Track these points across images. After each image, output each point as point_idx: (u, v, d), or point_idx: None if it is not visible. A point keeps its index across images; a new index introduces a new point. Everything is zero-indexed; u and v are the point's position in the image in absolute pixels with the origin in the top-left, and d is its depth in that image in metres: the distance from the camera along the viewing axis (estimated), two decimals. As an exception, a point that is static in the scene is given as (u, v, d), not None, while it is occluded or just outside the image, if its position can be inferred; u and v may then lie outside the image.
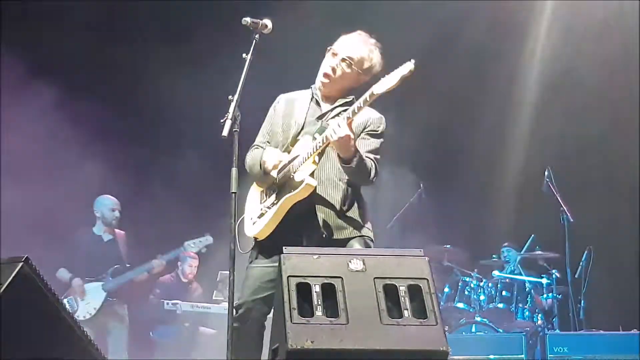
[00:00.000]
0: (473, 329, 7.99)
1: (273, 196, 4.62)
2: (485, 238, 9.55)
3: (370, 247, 4.59)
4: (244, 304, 4.57)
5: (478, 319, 8.11)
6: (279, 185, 4.62)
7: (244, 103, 4.39)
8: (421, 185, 9.26)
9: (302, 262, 3.73)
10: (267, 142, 4.84)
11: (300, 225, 4.55)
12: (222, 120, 4.49)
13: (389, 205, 9.31)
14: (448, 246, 8.87)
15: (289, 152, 4.66)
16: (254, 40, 4.54)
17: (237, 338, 4.46)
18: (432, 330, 3.59)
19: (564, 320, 8.29)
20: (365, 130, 4.67)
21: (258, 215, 4.66)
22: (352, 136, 4.34)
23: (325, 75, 4.70)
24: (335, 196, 4.57)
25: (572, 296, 8.26)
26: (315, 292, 3.62)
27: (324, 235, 4.49)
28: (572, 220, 8.33)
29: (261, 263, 4.59)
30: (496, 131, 9.91)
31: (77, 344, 3.86)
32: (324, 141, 4.41)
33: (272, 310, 4.14)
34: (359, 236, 4.57)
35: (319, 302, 3.59)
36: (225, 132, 4.30)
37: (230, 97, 4.65)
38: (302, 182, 4.46)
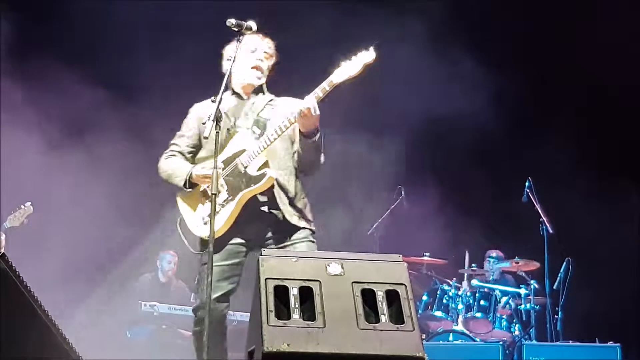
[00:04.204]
0: (450, 338, 7.99)
1: (223, 193, 4.69)
2: (464, 247, 9.54)
3: (314, 242, 4.78)
4: (205, 305, 4.58)
5: (456, 327, 8.11)
6: (227, 183, 4.71)
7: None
8: (402, 192, 9.27)
9: (280, 264, 3.73)
10: (189, 146, 4.99)
11: (251, 219, 4.70)
12: (203, 122, 4.51)
13: (369, 212, 9.34)
14: (427, 254, 8.86)
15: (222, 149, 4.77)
16: (238, 42, 4.56)
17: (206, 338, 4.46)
18: (409, 336, 3.59)
19: (541, 331, 8.32)
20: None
21: (209, 214, 4.65)
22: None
23: (257, 68, 4.93)
24: (287, 186, 4.76)
25: (550, 307, 8.30)
26: (293, 295, 3.62)
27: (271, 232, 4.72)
28: (551, 231, 8.37)
29: (215, 262, 4.54)
30: (477, 139, 9.92)
31: (52, 341, 3.83)
32: (284, 127, 4.61)
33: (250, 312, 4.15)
34: (309, 229, 4.78)
35: (296, 305, 3.59)
36: (206, 133, 4.31)
37: (212, 98, 4.68)
38: (262, 175, 4.65)
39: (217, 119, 4.32)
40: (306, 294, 3.63)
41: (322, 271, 3.71)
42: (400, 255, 3.90)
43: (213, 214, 4.19)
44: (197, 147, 4.99)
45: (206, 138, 4.42)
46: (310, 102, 4.56)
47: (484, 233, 9.66)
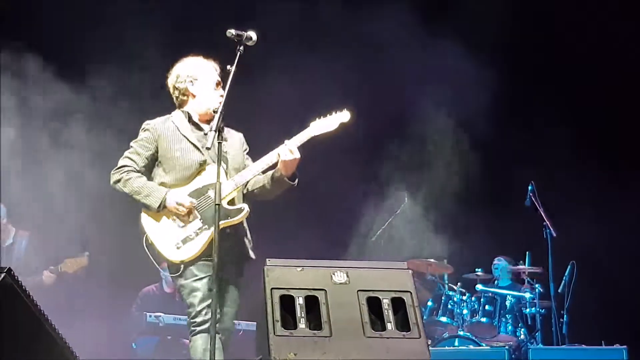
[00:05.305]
0: (456, 343, 7.97)
1: (197, 222, 4.70)
2: (469, 252, 9.53)
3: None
4: (206, 312, 4.61)
5: (461, 332, 8.10)
6: (201, 213, 4.72)
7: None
8: (406, 198, 9.25)
9: (285, 274, 3.74)
10: (144, 166, 4.89)
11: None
12: (205, 133, 4.50)
13: (373, 218, 9.32)
14: (432, 260, 8.85)
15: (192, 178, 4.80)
16: (238, 52, 4.55)
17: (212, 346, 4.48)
18: (415, 343, 3.59)
19: (547, 334, 8.30)
20: (246, 151, 5.11)
21: (182, 239, 4.69)
22: None
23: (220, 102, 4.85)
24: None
25: (555, 311, 8.28)
26: (299, 304, 3.62)
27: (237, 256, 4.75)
28: (555, 235, 8.36)
29: (201, 275, 4.64)
30: (480, 144, 9.92)
31: (58, 353, 3.83)
32: (260, 170, 4.76)
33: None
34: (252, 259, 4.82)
35: (303, 315, 3.59)
36: (209, 144, 4.31)
37: (214, 109, 4.67)
38: (239, 210, 4.70)
39: (219, 130, 4.33)
40: (312, 303, 3.64)
41: (328, 280, 3.72)
42: (405, 263, 3.90)
43: (217, 222, 4.21)
44: (148, 167, 4.92)
45: (208, 149, 4.40)
46: (291, 145, 4.69)
47: (486, 237, 9.65)
